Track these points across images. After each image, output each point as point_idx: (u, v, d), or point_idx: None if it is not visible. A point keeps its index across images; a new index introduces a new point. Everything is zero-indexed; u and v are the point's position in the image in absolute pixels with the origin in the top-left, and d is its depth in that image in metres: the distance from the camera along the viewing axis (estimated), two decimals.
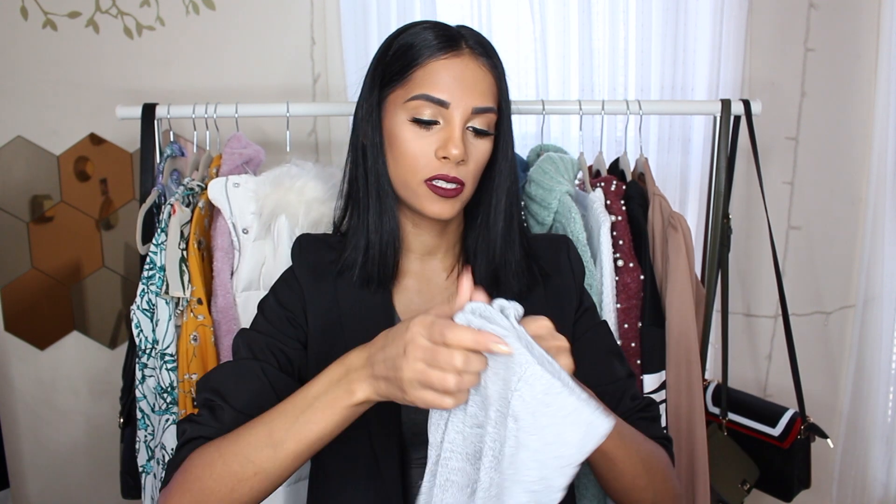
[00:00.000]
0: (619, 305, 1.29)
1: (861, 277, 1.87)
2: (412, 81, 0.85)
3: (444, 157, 0.85)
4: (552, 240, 1.03)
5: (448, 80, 0.84)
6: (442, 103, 0.84)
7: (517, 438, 0.61)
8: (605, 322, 1.01)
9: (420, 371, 0.61)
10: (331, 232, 1.05)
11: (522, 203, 1.33)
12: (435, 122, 0.85)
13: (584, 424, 0.59)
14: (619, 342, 1.29)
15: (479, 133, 0.87)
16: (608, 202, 1.31)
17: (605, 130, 1.43)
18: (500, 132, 0.91)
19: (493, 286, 0.93)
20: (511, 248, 0.93)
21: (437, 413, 0.67)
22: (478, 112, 0.86)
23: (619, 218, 1.31)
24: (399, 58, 0.87)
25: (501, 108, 0.90)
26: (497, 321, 0.62)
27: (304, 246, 0.98)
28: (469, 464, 0.66)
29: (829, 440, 1.46)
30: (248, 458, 0.71)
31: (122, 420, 1.40)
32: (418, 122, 0.85)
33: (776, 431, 1.48)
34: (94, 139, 1.79)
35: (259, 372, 0.85)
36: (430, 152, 0.85)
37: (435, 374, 0.61)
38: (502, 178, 0.92)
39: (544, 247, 1.01)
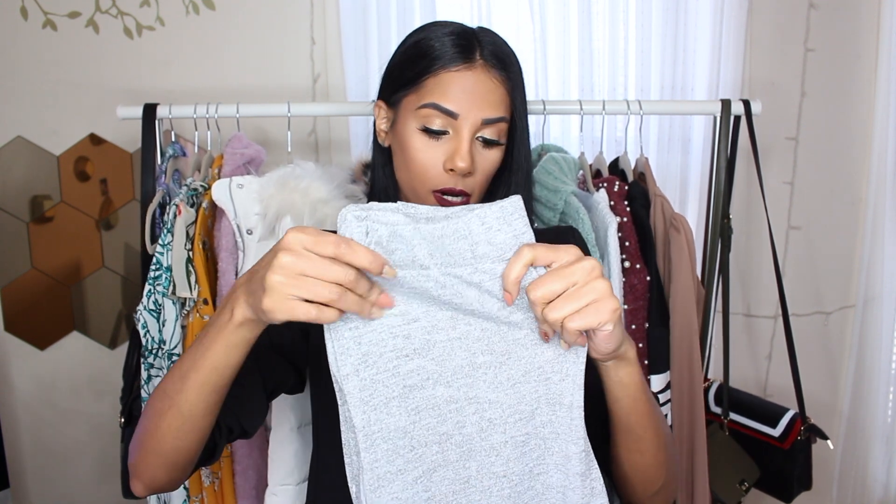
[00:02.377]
0: (626, 307, 1.30)
1: (861, 277, 1.87)
2: (424, 89, 0.86)
3: (451, 170, 0.86)
4: (559, 233, 1.03)
5: (458, 92, 0.85)
6: (451, 114, 0.85)
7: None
8: None
9: (286, 278, 0.61)
10: None
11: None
12: (444, 133, 0.86)
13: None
14: None
15: (488, 143, 0.88)
16: (612, 203, 1.31)
17: (606, 130, 1.43)
18: (515, 142, 0.92)
19: None
20: None
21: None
22: (488, 123, 0.86)
23: (625, 219, 1.31)
24: (413, 63, 0.88)
25: (514, 118, 0.90)
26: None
27: None
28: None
29: (829, 441, 1.46)
30: (165, 393, 0.73)
31: (122, 420, 1.40)
32: (427, 131, 0.86)
33: (776, 432, 1.48)
34: (94, 139, 1.79)
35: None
36: (439, 163, 0.86)
37: (309, 280, 0.61)
38: (519, 188, 0.93)
39: (550, 240, 1.00)
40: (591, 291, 0.63)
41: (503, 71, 0.88)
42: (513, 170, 0.93)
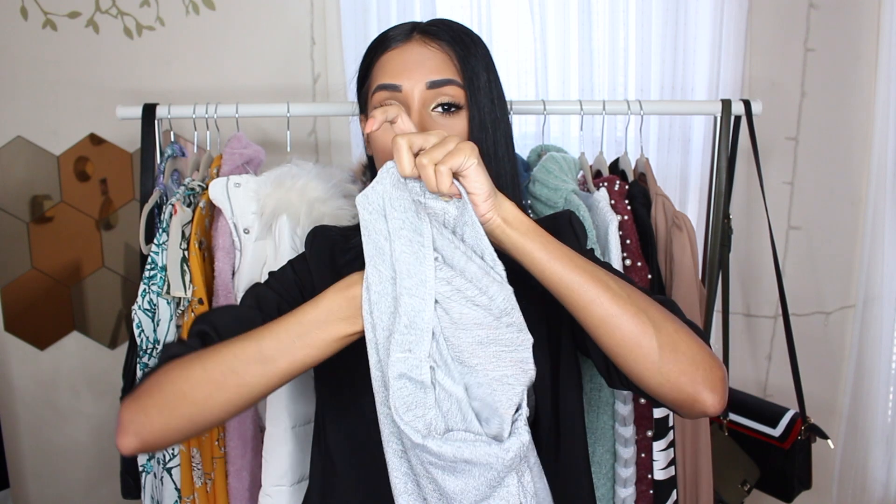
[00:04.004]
0: None
1: (861, 277, 1.87)
2: (371, 78, 0.89)
3: None
4: (556, 217, 0.99)
5: (397, 66, 0.86)
6: (395, 88, 0.86)
7: None
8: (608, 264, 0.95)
9: None
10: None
11: (528, 202, 1.33)
12: None
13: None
14: None
15: (446, 110, 0.86)
16: (612, 202, 1.31)
17: (606, 130, 1.43)
18: (472, 104, 0.87)
19: None
20: None
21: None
22: (435, 86, 0.85)
23: (625, 217, 1.30)
24: (363, 61, 0.92)
25: (470, 83, 0.87)
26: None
27: (318, 237, 0.99)
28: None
29: (829, 441, 1.46)
30: (232, 369, 0.73)
31: None
32: None
33: (777, 432, 1.48)
34: (94, 139, 1.79)
35: (259, 323, 0.84)
36: None
37: None
38: (483, 145, 0.87)
39: (548, 226, 0.97)
40: (451, 140, 0.69)
41: (441, 40, 0.87)
42: (473, 133, 0.87)
